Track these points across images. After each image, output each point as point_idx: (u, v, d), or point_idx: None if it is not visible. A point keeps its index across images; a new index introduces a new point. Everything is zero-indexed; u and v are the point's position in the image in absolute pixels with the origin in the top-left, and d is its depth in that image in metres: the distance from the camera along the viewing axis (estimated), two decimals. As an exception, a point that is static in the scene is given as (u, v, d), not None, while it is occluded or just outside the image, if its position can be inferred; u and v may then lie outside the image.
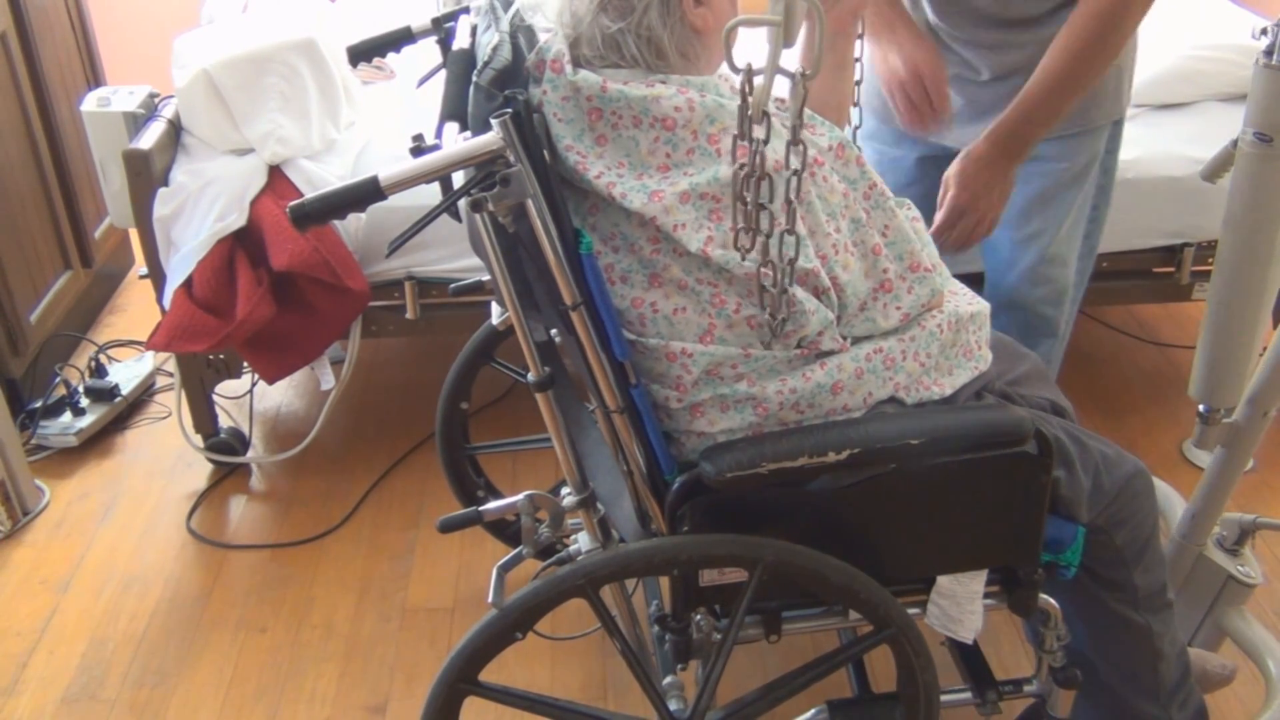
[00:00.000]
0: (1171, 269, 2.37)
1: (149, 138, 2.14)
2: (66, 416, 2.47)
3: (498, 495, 2.01)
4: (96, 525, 2.25)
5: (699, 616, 1.37)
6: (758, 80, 1.05)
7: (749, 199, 1.12)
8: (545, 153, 1.19)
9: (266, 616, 2.03)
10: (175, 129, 2.23)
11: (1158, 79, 2.39)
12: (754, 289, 1.24)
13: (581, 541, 1.37)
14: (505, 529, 2.05)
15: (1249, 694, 1.79)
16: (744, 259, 1.19)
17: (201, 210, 2.11)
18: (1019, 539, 1.35)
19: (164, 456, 2.44)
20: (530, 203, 1.14)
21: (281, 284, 2.13)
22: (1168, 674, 1.51)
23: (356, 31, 2.01)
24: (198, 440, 2.37)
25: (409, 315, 2.28)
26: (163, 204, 2.13)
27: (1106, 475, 1.40)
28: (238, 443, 2.41)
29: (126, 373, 2.61)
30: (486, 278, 1.83)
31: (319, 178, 2.17)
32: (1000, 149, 1.64)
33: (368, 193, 1.14)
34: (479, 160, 1.14)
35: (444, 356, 2.04)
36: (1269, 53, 1.41)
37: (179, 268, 2.11)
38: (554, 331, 1.34)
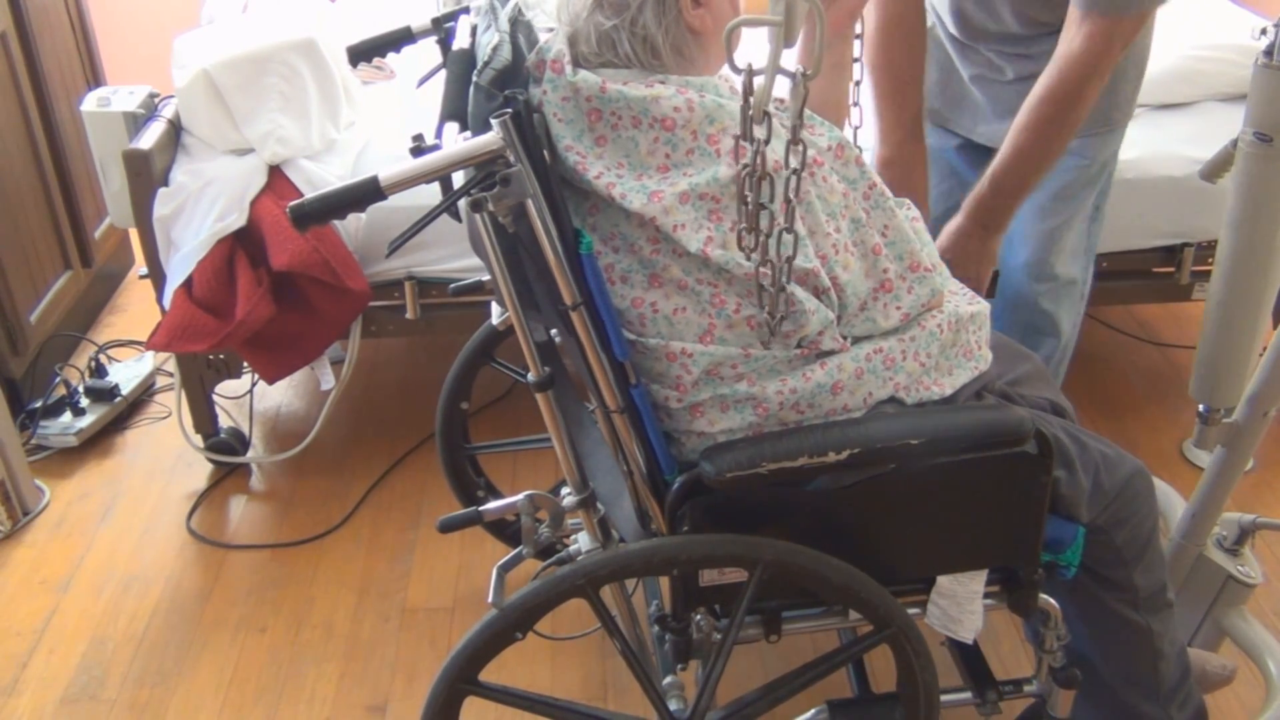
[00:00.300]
0: (1171, 269, 2.37)
1: (149, 138, 2.14)
2: (66, 416, 2.47)
3: (498, 495, 2.01)
4: (96, 525, 2.25)
5: (699, 616, 1.37)
6: (758, 80, 1.05)
7: (750, 198, 1.12)
8: (545, 153, 1.19)
9: (266, 616, 2.03)
10: (175, 129, 2.23)
11: (1158, 79, 2.38)
12: (754, 289, 1.24)
13: (581, 541, 1.37)
14: (505, 529, 2.05)
15: (1249, 694, 1.79)
16: (748, 258, 1.19)
17: (201, 210, 2.11)
18: (1019, 539, 1.35)
19: (164, 456, 2.44)
20: (530, 203, 1.14)
21: (281, 284, 2.13)
22: (1168, 674, 1.51)
23: (356, 31, 2.01)
24: (198, 440, 2.37)
25: (409, 315, 2.28)
26: (163, 204, 2.13)
27: (1106, 475, 1.40)
28: (238, 443, 2.41)
29: (126, 373, 2.61)
30: (486, 278, 1.83)
31: (319, 178, 2.17)
32: (978, 222, 1.67)
33: (368, 193, 1.14)
34: (479, 160, 1.14)
35: (444, 356, 2.04)
36: (1269, 53, 1.41)
37: (179, 268, 2.11)
38: (554, 331, 1.34)
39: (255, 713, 1.84)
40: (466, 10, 1.53)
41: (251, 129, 2.14)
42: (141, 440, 2.50)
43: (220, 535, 2.23)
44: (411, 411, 2.55)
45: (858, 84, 1.71)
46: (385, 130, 2.41)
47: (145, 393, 2.62)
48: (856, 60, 1.66)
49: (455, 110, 1.26)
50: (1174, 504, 1.85)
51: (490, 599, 1.28)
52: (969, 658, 1.56)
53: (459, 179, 1.21)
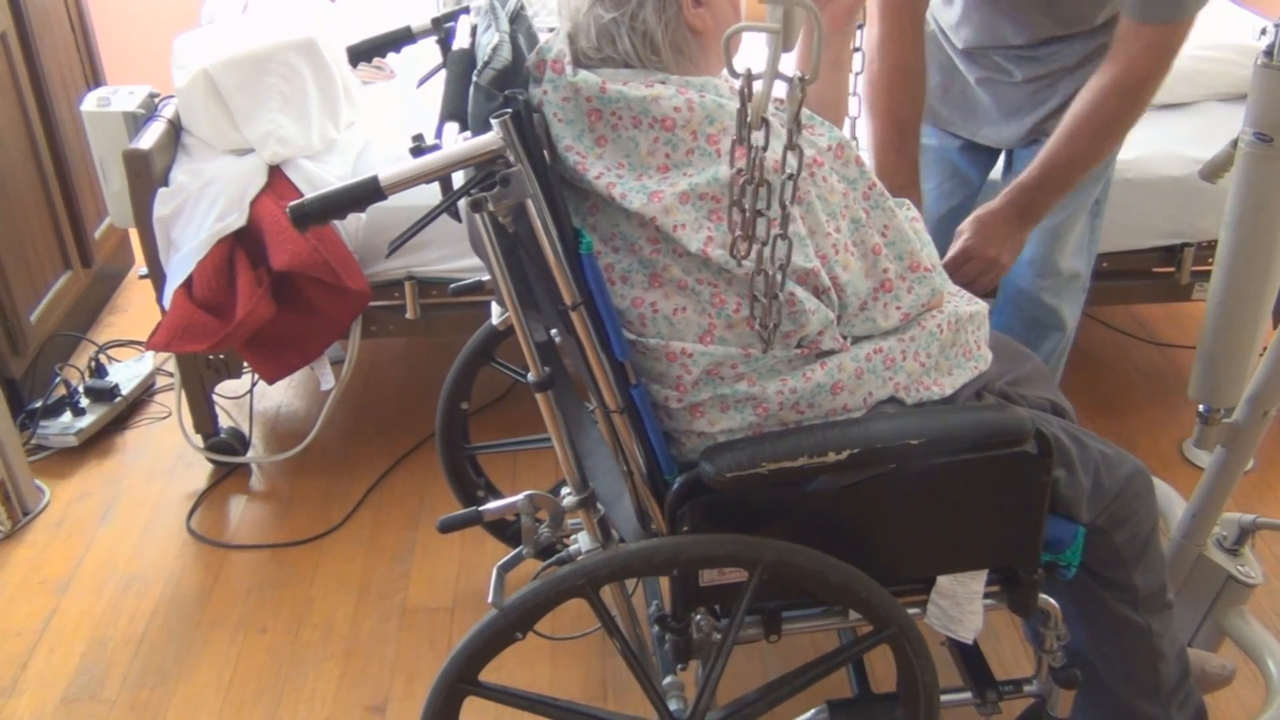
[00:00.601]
0: (1171, 269, 2.37)
1: (149, 138, 2.14)
2: (66, 416, 2.47)
3: (498, 495, 2.01)
4: (96, 525, 2.25)
5: (699, 616, 1.37)
6: (757, 85, 1.05)
7: (747, 205, 1.12)
8: (545, 153, 1.19)
9: (266, 616, 2.03)
10: (175, 129, 2.23)
11: (1159, 79, 2.39)
12: (751, 292, 1.24)
13: (581, 541, 1.37)
14: (505, 529, 2.05)
15: (1249, 694, 1.79)
16: (740, 264, 1.19)
17: (201, 210, 2.11)
18: (1019, 539, 1.35)
19: (164, 456, 2.44)
20: (530, 203, 1.14)
21: (281, 284, 2.13)
22: (1167, 674, 1.51)
23: (356, 31, 2.01)
24: (198, 440, 2.37)
25: (409, 315, 2.28)
26: (163, 204, 2.13)
27: (1106, 475, 1.40)
28: (238, 443, 2.41)
29: (126, 373, 2.61)
30: (486, 278, 1.83)
31: (319, 178, 2.17)
32: (1017, 211, 1.68)
33: (368, 193, 1.14)
34: (479, 160, 1.14)
35: (444, 356, 2.04)
36: (1269, 53, 1.41)
37: (179, 268, 2.11)
38: (554, 331, 1.34)
39: (255, 713, 1.84)
40: (466, 10, 1.53)
41: (251, 129, 2.14)
42: (141, 440, 2.50)
43: (220, 535, 2.23)
44: (411, 411, 2.55)
45: (857, 74, 1.71)
46: (385, 130, 2.40)
47: (145, 393, 2.62)
48: (857, 50, 1.66)
49: (455, 110, 1.26)
50: (1174, 504, 1.85)
51: (490, 599, 1.28)
52: (969, 658, 1.56)
53: (459, 179, 1.21)
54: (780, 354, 1.28)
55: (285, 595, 2.08)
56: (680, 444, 1.33)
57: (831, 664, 1.39)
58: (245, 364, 2.30)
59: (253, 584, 2.11)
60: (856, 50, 1.79)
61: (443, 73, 1.41)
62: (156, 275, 2.20)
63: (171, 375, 2.42)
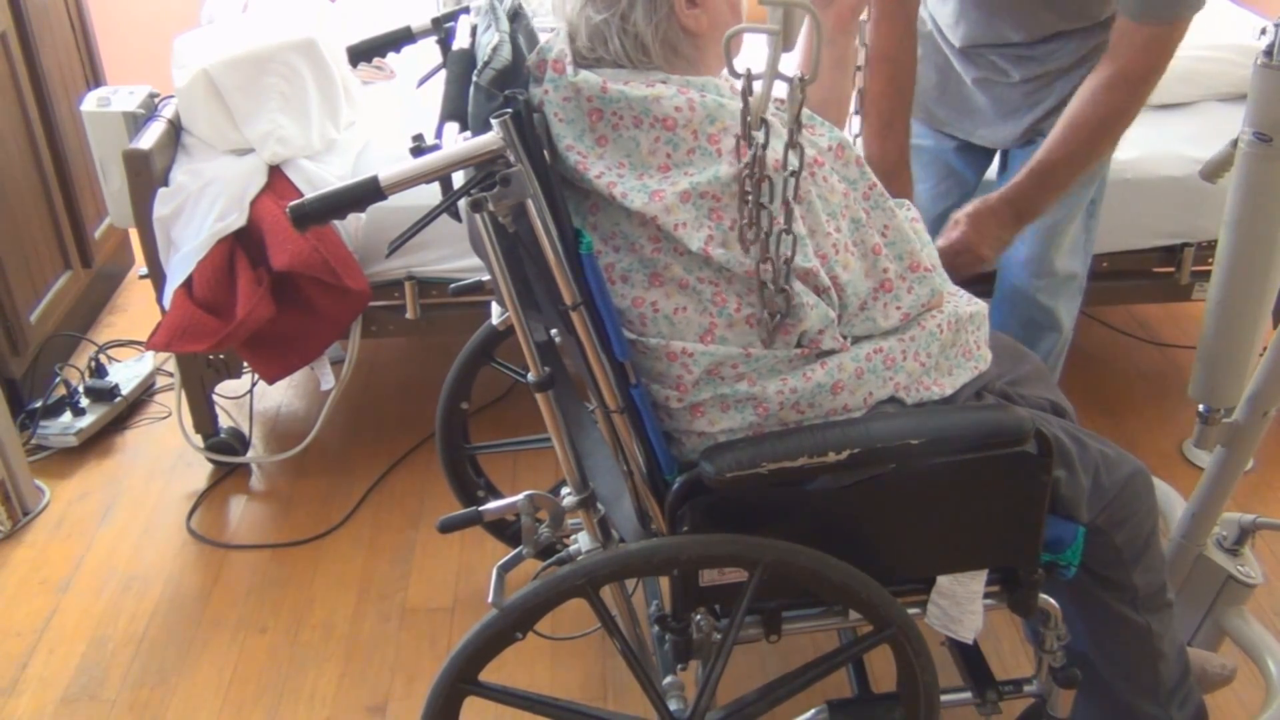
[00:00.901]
0: (1171, 269, 2.37)
1: (149, 138, 2.14)
2: (66, 416, 2.47)
3: (498, 495, 2.01)
4: (96, 525, 2.25)
5: (699, 616, 1.37)
6: (757, 84, 1.05)
7: (751, 199, 1.12)
8: (545, 153, 1.19)
9: (266, 616, 2.03)
10: (175, 129, 2.23)
11: (1158, 79, 2.39)
12: (754, 287, 1.24)
13: (581, 541, 1.37)
14: (505, 529, 2.05)
15: (1249, 694, 1.79)
16: (747, 252, 1.19)
17: (201, 210, 2.11)
18: (1019, 539, 1.35)
19: (164, 456, 2.44)
20: (530, 203, 1.14)
21: (281, 284, 2.13)
22: (1167, 674, 1.51)
23: (356, 31, 2.01)
24: (198, 440, 2.37)
25: (409, 315, 2.28)
26: (163, 204, 2.13)
27: (1106, 475, 1.40)
28: (238, 443, 2.41)
29: (126, 373, 2.61)
30: (486, 278, 1.83)
31: (319, 178, 2.17)
32: (1014, 210, 1.67)
33: (368, 193, 1.14)
34: (479, 160, 1.14)
35: (444, 356, 2.04)
36: (1269, 53, 1.41)
37: (179, 268, 2.11)
38: (554, 331, 1.34)
39: (255, 713, 1.84)
40: (466, 10, 1.53)
41: (251, 129, 2.14)
42: (141, 440, 2.50)
43: (220, 535, 2.23)
44: (411, 411, 2.55)
45: (859, 69, 1.71)
46: (385, 130, 2.40)
47: (145, 393, 2.62)
48: (863, 45, 1.66)
49: (455, 110, 1.26)
50: (1174, 504, 1.85)
51: (490, 599, 1.28)
52: (969, 658, 1.57)
53: (459, 179, 1.21)
54: (780, 354, 1.28)
55: (285, 595, 2.08)
56: (680, 444, 1.33)
57: (831, 664, 1.39)
58: (245, 364, 2.30)
59: (253, 584, 2.11)
60: (862, 46, 1.80)
61: (443, 73, 1.41)
62: (156, 275, 2.20)
63: (171, 375, 2.42)
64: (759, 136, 1.11)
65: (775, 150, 1.15)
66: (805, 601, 1.41)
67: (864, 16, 1.72)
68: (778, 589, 1.34)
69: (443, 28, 1.72)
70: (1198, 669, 1.61)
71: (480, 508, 1.47)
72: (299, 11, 2.35)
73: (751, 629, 1.39)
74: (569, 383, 1.40)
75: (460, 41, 1.42)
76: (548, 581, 1.27)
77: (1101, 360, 2.71)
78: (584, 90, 1.22)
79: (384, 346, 2.83)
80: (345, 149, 2.31)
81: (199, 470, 2.40)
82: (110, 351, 2.68)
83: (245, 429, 2.46)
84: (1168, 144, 2.29)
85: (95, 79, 3.00)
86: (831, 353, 1.30)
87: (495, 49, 1.26)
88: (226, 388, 2.44)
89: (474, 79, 1.22)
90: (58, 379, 2.51)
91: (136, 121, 2.20)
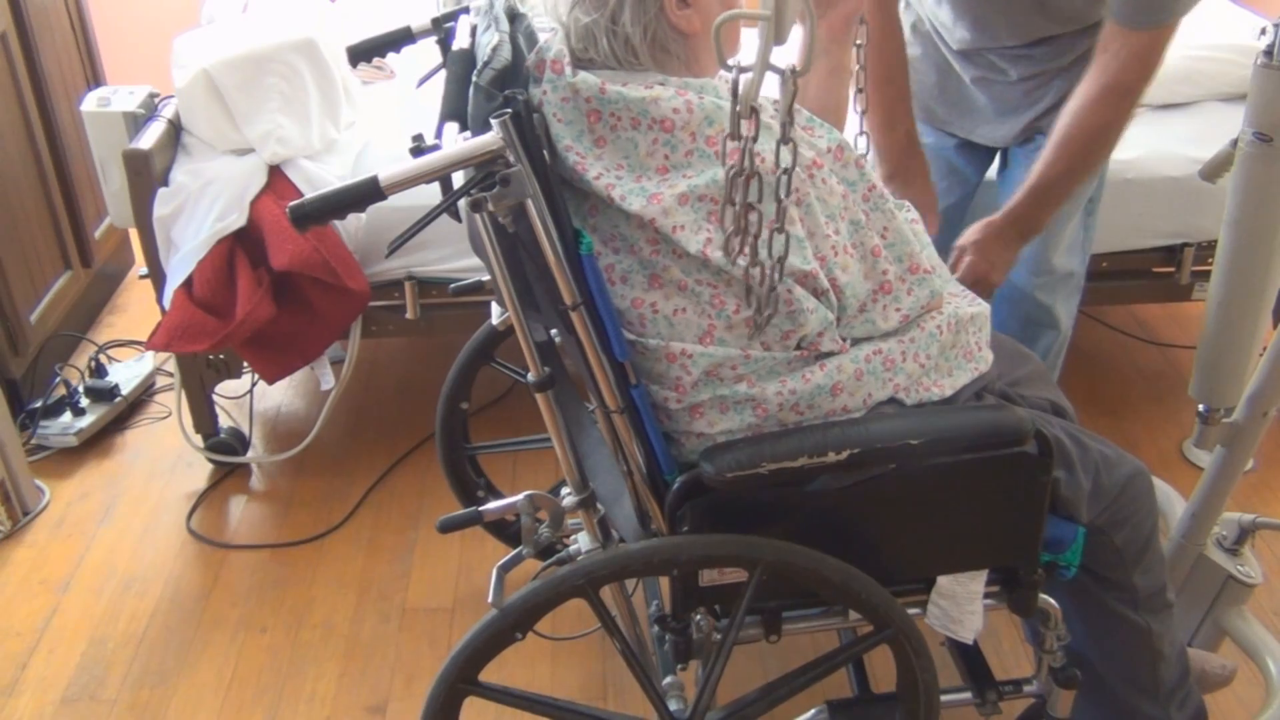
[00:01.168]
0: (1171, 269, 2.37)
1: (149, 138, 2.14)
2: (66, 416, 2.47)
3: (498, 495, 2.01)
4: (96, 525, 2.25)
5: (699, 616, 1.37)
6: (746, 78, 1.04)
7: (738, 200, 1.11)
8: (545, 153, 1.19)
9: (266, 616, 2.03)
10: (175, 129, 2.23)
11: (1158, 79, 2.38)
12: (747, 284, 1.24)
13: (581, 541, 1.37)
14: (505, 529, 2.05)
15: (1249, 694, 1.79)
16: (734, 261, 1.19)
17: (201, 210, 2.11)
18: (1019, 539, 1.35)
19: (164, 456, 2.44)
20: (530, 203, 1.14)
21: (281, 284, 2.13)
22: (1167, 674, 1.51)
23: (356, 31, 2.01)
24: (198, 440, 2.37)
25: (409, 315, 2.28)
26: (163, 204, 2.13)
27: (1106, 476, 1.40)
28: (238, 443, 2.41)
29: (126, 373, 2.61)
30: (486, 278, 1.83)
31: (319, 178, 2.17)
32: (1016, 228, 1.67)
33: (368, 193, 1.14)
34: (479, 160, 1.14)
35: (444, 356, 2.04)
36: (1269, 53, 1.41)
37: (179, 268, 2.11)
38: (554, 331, 1.34)
39: (255, 713, 1.84)
40: (466, 10, 1.52)
41: (251, 129, 2.14)
42: (141, 440, 2.50)
43: (220, 535, 2.23)
44: (411, 411, 2.55)
45: (861, 69, 1.71)
46: (385, 130, 2.40)
47: (145, 393, 2.62)
48: (859, 44, 1.67)
49: (455, 110, 1.26)
50: (1174, 504, 1.85)
51: (490, 599, 1.28)
52: (969, 658, 1.56)
53: (459, 179, 1.21)
54: (779, 355, 1.28)
55: (285, 595, 2.08)
56: (680, 444, 1.33)
57: (831, 664, 1.39)
58: (245, 364, 2.30)
59: (253, 584, 2.11)
60: (859, 45, 1.79)
61: (443, 73, 1.41)
62: (156, 275, 2.20)
63: (171, 375, 2.42)
64: (748, 129, 1.09)
65: (769, 149, 1.14)
66: (805, 602, 1.41)
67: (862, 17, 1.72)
68: (777, 589, 1.34)
69: (443, 28, 1.72)
70: (1198, 669, 1.61)
71: (480, 508, 1.48)
72: (299, 11, 2.35)
73: (751, 629, 1.39)
74: (569, 383, 1.40)
75: (460, 41, 1.42)
76: (548, 581, 1.27)
77: (1101, 360, 2.71)
78: (582, 91, 1.22)
79: (384, 346, 2.83)
80: (345, 149, 2.31)
81: (199, 470, 2.40)
82: (110, 351, 2.68)
83: (245, 429, 2.46)
84: (1168, 144, 2.29)
85: (95, 79, 3.00)
86: (831, 354, 1.30)
87: (495, 49, 1.26)
88: (226, 388, 2.44)
89: (474, 79, 1.22)
90: (58, 379, 2.51)
91: (136, 121, 2.20)
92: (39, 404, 2.47)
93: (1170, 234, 2.33)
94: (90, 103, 2.21)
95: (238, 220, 2.10)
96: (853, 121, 1.75)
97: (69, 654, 1.95)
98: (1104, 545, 1.42)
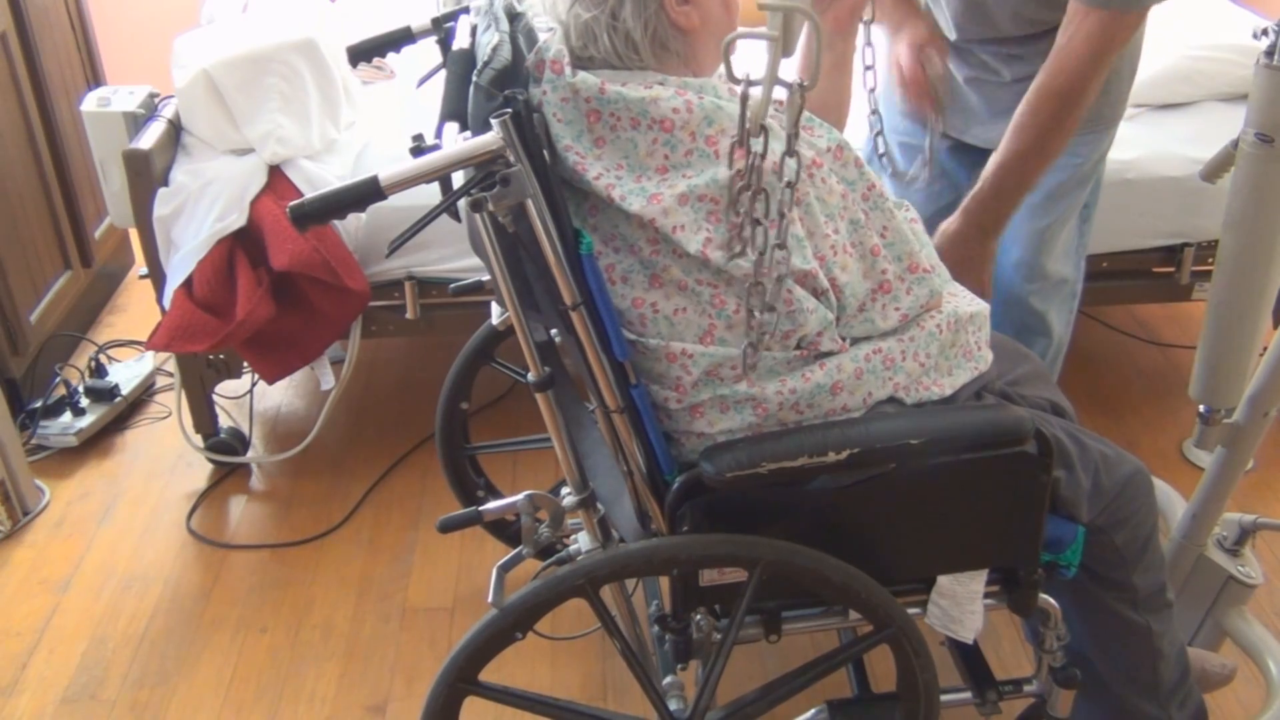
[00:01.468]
0: (1171, 269, 2.37)
1: (149, 138, 2.14)
2: (66, 416, 2.47)
3: (498, 495, 2.01)
4: (96, 525, 2.25)
5: (699, 616, 1.37)
6: (755, 91, 1.05)
7: (743, 211, 1.12)
8: (545, 153, 1.19)
9: (266, 616, 2.03)
10: (175, 129, 2.23)
11: (1158, 79, 2.39)
12: (752, 289, 1.24)
13: (581, 541, 1.37)
14: (505, 529, 2.05)
15: (1249, 694, 1.79)
16: (729, 261, 1.19)
17: (201, 210, 2.11)
18: (1019, 539, 1.35)
19: (164, 456, 2.44)
20: (530, 203, 1.14)
21: (281, 284, 2.13)
22: (1167, 674, 1.51)
23: (356, 31, 2.01)
24: (198, 440, 2.37)
25: (409, 315, 2.28)
26: (163, 204, 2.13)
27: (1106, 475, 1.40)
28: (238, 443, 2.41)
29: (126, 373, 2.61)
30: (486, 278, 1.83)
31: (319, 178, 2.17)
32: (975, 225, 1.65)
33: (368, 193, 1.14)
34: (479, 160, 1.14)
35: (444, 356, 2.04)
36: (1269, 53, 1.41)
37: (179, 268, 2.11)
38: (554, 331, 1.34)
39: (255, 713, 1.84)
40: (466, 10, 1.52)
41: (251, 129, 2.14)
42: (141, 440, 2.50)
43: (220, 535, 2.23)
44: (411, 411, 2.55)
45: (869, 69, 1.70)
46: (385, 130, 2.41)
47: (145, 393, 2.62)
48: (869, 45, 1.66)
49: (455, 110, 1.26)
50: (1174, 504, 1.85)
51: (490, 599, 1.28)
52: (969, 658, 1.56)
53: (459, 179, 1.21)
54: (779, 355, 1.28)
55: (285, 595, 2.08)
56: (680, 444, 1.33)
57: (831, 664, 1.39)
58: (245, 364, 2.30)
59: (253, 584, 2.11)
60: (868, 46, 1.79)
61: (443, 73, 1.41)
62: (156, 275, 2.20)
63: (171, 375, 2.42)
64: (757, 145, 1.11)
65: (773, 154, 1.15)
66: (805, 601, 1.41)
67: (867, 16, 1.72)
68: (777, 589, 1.34)
69: (443, 28, 1.72)
70: (1198, 669, 1.61)
71: (480, 508, 1.48)
72: (299, 11, 2.35)
73: (751, 629, 1.39)
74: (569, 383, 1.40)
75: (460, 41, 1.42)
76: (548, 581, 1.27)
77: (1101, 360, 2.71)
78: (582, 91, 1.22)
79: (384, 346, 2.83)
80: (345, 149, 2.31)
81: (199, 470, 2.40)
82: (110, 351, 2.68)
83: (245, 429, 2.46)
84: (1168, 144, 2.29)
85: (95, 79, 3.00)
86: (830, 354, 1.30)
87: (495, 49, 1.26)
88: (226, 388, 2.44)
89: (474, 79, 1.22)
90: (58, 379, 2.51)
91: (136, 121, 2.20)
92: (39, 404, 2.47)
93: (1170, 234, 2.33)
94: (90, 103, 2.21)
95: (238, 220, 2.10)
96: (860, 98, 1.75)
97: (69, 654, 1.95)
98: (1104, 545, 1.42)
